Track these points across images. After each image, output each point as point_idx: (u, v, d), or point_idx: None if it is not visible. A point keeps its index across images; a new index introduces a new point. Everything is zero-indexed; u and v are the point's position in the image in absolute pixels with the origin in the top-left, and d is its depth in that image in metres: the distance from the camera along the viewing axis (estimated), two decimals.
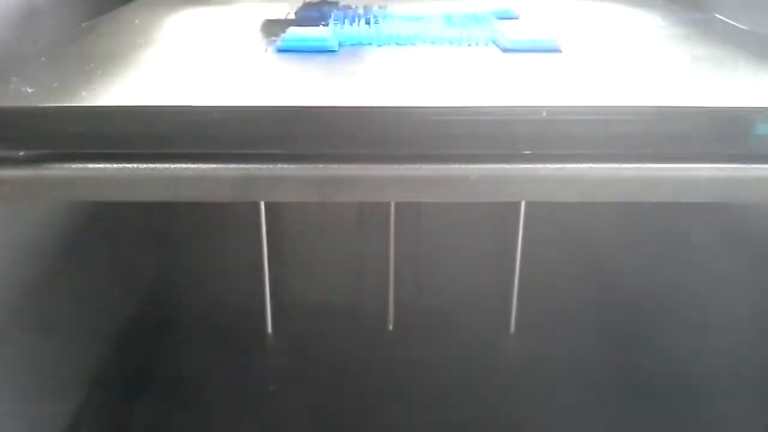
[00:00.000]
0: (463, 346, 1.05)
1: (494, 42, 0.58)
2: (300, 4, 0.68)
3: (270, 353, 1.09)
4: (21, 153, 0.43)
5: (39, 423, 0.75)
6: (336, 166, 0.43)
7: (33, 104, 0.42)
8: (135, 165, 0.43)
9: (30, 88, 0.45)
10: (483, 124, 0.42)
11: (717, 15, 0.71)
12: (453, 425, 0.92)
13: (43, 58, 0.54)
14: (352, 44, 0.58)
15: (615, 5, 0.79)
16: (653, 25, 0.67)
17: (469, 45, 0.58)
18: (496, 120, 0.42)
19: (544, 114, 0.42)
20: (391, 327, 1.11)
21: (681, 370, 0.94)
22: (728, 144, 0.43)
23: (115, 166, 0.43)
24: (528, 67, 0.52)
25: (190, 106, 0.42)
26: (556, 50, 0.56)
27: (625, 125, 0.42)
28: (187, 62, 0.53)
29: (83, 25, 0.68)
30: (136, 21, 0.68)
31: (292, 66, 0.52)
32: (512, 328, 1.10)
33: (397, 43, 0.58)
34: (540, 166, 0.43)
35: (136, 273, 1.04)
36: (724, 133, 0.42)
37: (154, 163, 0.43)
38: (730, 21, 0.69)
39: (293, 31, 0.56)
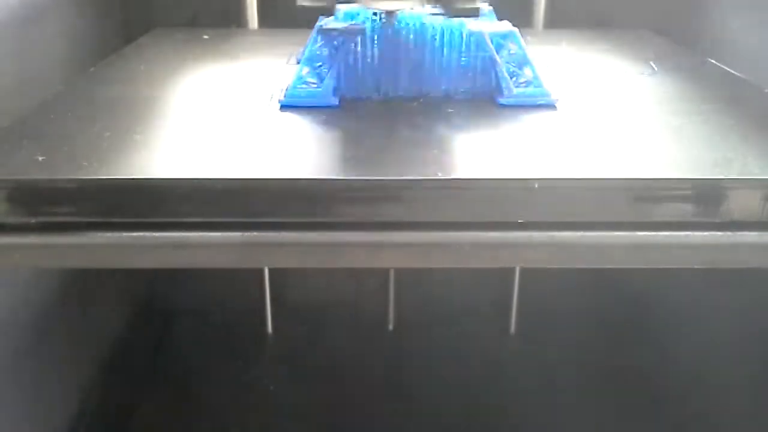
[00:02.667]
0: (463, 346, 1.07)
1: (492, 96, 0.59)
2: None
3: (270, 353, 1.10)
4: (32, 221, 0.44)
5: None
6: (334, 233, 0.44)
7: (45, 177, 0.43)
8: (142, 233, 0.44)
9: (41, 156, 0.46)
10: (477, 195, 0.44)
11: (710, 60, 0.73)
12: (453, 425, 0.94)
13: (53, 116, 0.55)
14: (352, 97, 0.60)
15: (611, 44, 0.81)
16: (648, 71, 0.69)
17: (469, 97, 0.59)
18: (490, 191, 0.44)
19: (536, 186, 0.43)
20: (391, 327, 1.12)
21: (681, 370, 0.95)
22: (711, 212, 0.44)
23: (123, 234, 0.44)
24: (524, 128, 0.54)
25: (196, 179, 0.43)
26: (552, 106, 0.58)
27: (613, 196, 0.44)
28: (193, 121, 0.55)
29: (91, 70, 0.69)
30: (142, 67, 0.70)
31: (293, 129, 0.53)
32: (512, 329, 1.12)
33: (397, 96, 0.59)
34: (533, 233, 0.45)
35: (136, 273, 1.05)
36: (706, 201, 0.44)
37: (160, 231, 0.44)
38: (722, 66, 0.71)
39: (296, 89, 0.58)
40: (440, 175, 0.44)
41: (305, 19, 0.91)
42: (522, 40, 0.59)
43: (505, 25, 0.60)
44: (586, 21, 1.07)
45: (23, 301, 0.70)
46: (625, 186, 0.44)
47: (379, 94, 0.61)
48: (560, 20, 1.05)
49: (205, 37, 0.84)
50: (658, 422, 0.92)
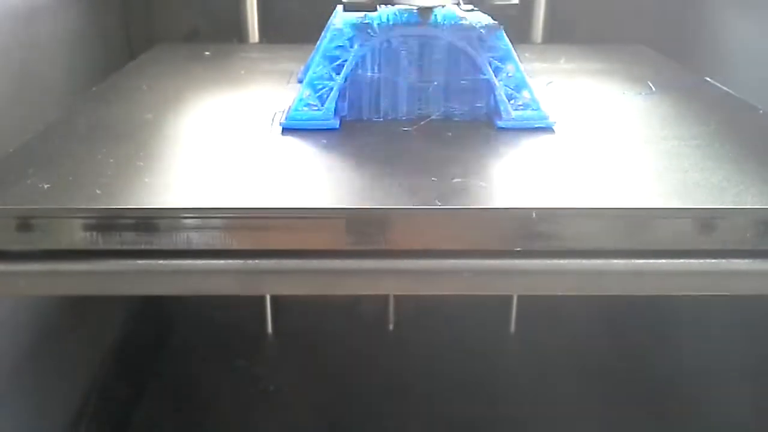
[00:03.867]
0: (463, 346, 1.07)
1: (491, 118, 0.60)
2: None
3: (270, 353, 1.11)
4: (37, 249, 0.45)
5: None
6: (334, 261, 0.45)
7: (51, 206, 0.44)
8: (145, 261, 0.45)
9: (46, 184, 0.47)
10: (476, 224, 0.45)
11: (707, 79, 0.73)
12: (453, 425, 0.94)
13: (57, 141, 0.56)
14: (353, 118, 0.60)
15: (609, 62, 0.82)
16: (647, 91, 0.69)
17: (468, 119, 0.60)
18: (489, 220, 0.45)
19: (534, 216, 0.44)
20: (391, 327, 1.13)
21: (680, 371, 0.96)
22: (704, 240, 0.45)
23: (126, 262, 0.45)
24: (522, 153, 0.54)
25: (199, 209, 0.44)
26: (549, 129, 0.59)
27: (608, 225, 0.45)
28: (195, 146, 0.55)
29: (93, 89, 0.70)
30: (144, 87, 0.70)
31: (294, 154, 0.54)
32: (512, 328, 1.12)
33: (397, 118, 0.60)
34: (530, 261, 0.45)
35: None
36: (699, 230, 0.45)
37: (163, 259, 0.45)
38: (719, 85, 0.72)
39: (297, 112, 0.58)
40: (439, 204, 0.45)
41: (305, 34, 0.93)
42: (520, 64, 0.60)
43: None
44: (585, 32, 1.08)
45: (23, 300, 0.70)
46: (620, 215, 0.45)
47: (379, 116, 0.61)
48: (560, 32, 1.06)
49: (207, 53, 0.85)
50: (659, 421, 0.93)
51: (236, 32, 1.06)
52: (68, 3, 0.86)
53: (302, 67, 0.75)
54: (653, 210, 0.45)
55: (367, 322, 1.13)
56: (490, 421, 0.95)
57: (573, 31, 1.08)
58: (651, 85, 0.71)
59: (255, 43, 1.02)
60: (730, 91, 0.70)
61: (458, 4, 0.59)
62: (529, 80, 0.60)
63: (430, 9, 0.58)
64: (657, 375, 0.99)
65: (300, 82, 0.72)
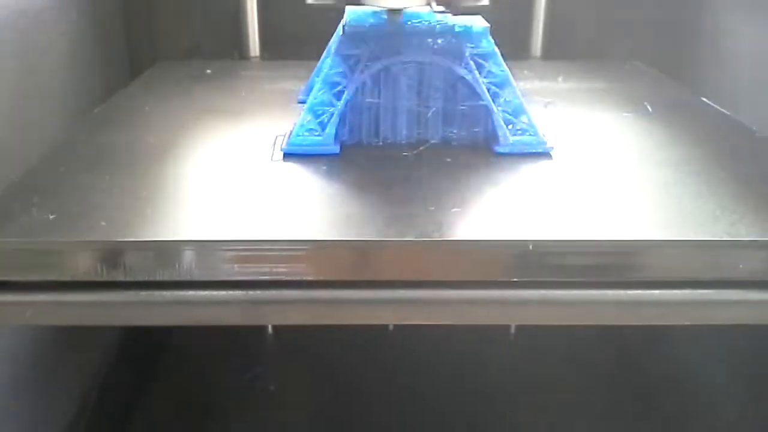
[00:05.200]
0: (464, 347, 1.08)
1: (489, 143, 0.61)
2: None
3: (270, 353, 1.12)
4: (44, 279, 0.46)
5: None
6: (334, 291, 0.46)
7: (57, 239, 0.45)
8: (149, 292, 0.46)
9: (51, 215, 0.48)
10: (473, 255, 0.46)
11: (703, 99, 0.74)
12: (453, 425, 0.95)
13: (62, 168, 0.57)
14: (354, 143, 0.61)
15: (606, 80, 0.82)
16: (643, 112, 0.70)
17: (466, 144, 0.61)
18: (486, 252, 0.46)
19: (531, 247, 0.45)
20: (391, 327, 1.13)
21: (681, 373, 0.97)
22: (698, 271, 0.46)
23: (130, 293, 0.46)
24: (519, 181, 0.55)
25: (200, 241, 0.45)
26: (547, 154, 0.59)
27: (603, 257, 0.46)
28: (197, 172, 0.56)
29: (96, 111, 0.71)
30: (146, 108, 0.71)
31: (294, 182, 0.55)
32: (512, 329, 1.13)
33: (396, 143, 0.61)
34: (527, 292, 0.46)
35: None
36: (693, 261, 0.46)
37: (166, 290, 0.46)
38: (714, 105, 0.72)
39: (298, 137, 0.59)
40: (437, 237, 0.45)
41: (305, 48, 0.94)
42: (518, 90, 0.61)
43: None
44: (583, 44, 1.08)
45: None
46: (614, 247, 0.45)
47: (378, 140, 0.62)
48: (559, 44, 1.07)
49: (208, 71, 0.86)
50: (661, 424, 0.94)
51: (237, 46, 1.07)
52: (70, 16, 0.87)
53: (303, 87, 0.76)
54: (648, 242, 0.45)
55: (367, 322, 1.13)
56: (491, 422, 0.96)
57: (572, 43, 1.08)
58: (648, 105, 0.72)
59: (256, 59, 1.03)
60: (726, 111, 0.71)
61: (429, 5, 0.59)
62: (526, 105, 0.61)
63: (399, 11, 0.59)
64: (660, 378, 0.99)
65: (301, 102, 0.73)
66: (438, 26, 0.60)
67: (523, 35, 1.07)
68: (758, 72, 0.82)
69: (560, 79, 0.83)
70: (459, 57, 0.60)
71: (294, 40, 1.10)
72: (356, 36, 0.60)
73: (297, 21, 1.10)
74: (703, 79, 0.96)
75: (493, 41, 0.61)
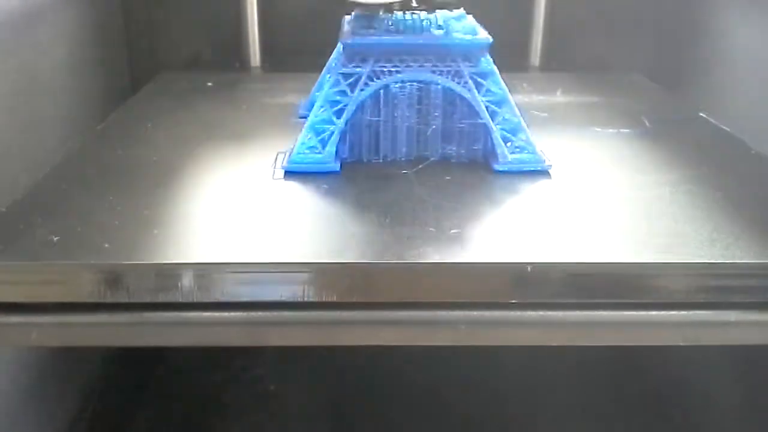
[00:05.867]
0: (464, 347, 1.08)
1: (487, 160, 0.61)
2: None
3: (270, 353, 1.12)
4: (49, 302, 0.46)
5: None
6: (335, 313, 0.47)
7: (61, 262, 0.46)
8: (152, 313, 0.46)
9: (55, 236, 0.48)
10: (473, 278, 0.46)
11: (701, 114, 0.75)
12: (454, 426, 0.95)
13: (64, 186, 0.57)
14: (354, 160, 0.62)
15: (605, 94, 0.83)
16: (642, 128, 0.71)
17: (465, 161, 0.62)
18: (485, 274, 0.46)
19: (529, 270, 0.46)
20: None
21: (680, 376, 0.97)
22: (692, 293, 0.46)
23: (133, 314, 0.46)
24: (517, 201, 0.56)
25: (202, 264, 0.46)
26: (545, 172, 0.60)
27: (599, 279, 0.46)
28: (199, 191, 0.57)
29: (98, 128, 0.72)
30: (149, 124, 0.72)
31: (296, 200, 0.56)
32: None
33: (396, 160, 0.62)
34: (525, 313, 0.47)
35: None
36: (687, 283, 0.46)
37: (168, 311, 0.46)
38: (712, 121, 0.73)
39: (299, 156, 0.60)
40: (437, 259, 0.46)
41: (306, 58, 0.94)
42: (516, 108, 0.61)
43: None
44: (582, 53, 1.09)
45: None
46: (611, 270, 0.46)
47: (378, 158, 0.63)
48: (557, 52, 1.08)
49: (209, 84, 0.86)
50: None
51: (238, 55, 1.07)
52: (71, 27, 0.87)
53: (303, 101, 0.77)
54: (644, 264, 0.46)
55: None
56: (491, 423, 0.96)
57: (571, 51, 1.09)
58: (646, 121, 0.72)
59: (257, 70, 1.03)
60: (723, 126, 0.71)
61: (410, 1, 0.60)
62: (524, 123, 0.61)
63: (382, 6, 0.59)
64: (663, 385, 1.00)
65: (302, 117, 0.73)
66: (437, 45, 0.60)
67: (522, 44, 1.08)
68: (759, 75, 0.82)
69: (559, 92, 0.84)
70: (458, 76, 0.61)
71: (294, 50, 1.11)
72: (356, 55, 0.60)
73: (297, 31, 1.11)
74: (703, 85, 0.97)
75: (491, 60, 0.61)
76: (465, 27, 0.62)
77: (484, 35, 0.61)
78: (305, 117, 0.71)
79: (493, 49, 0.61)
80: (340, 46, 0.63)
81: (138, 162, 0.62)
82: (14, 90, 0.71)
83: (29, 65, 0.75)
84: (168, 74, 0.91)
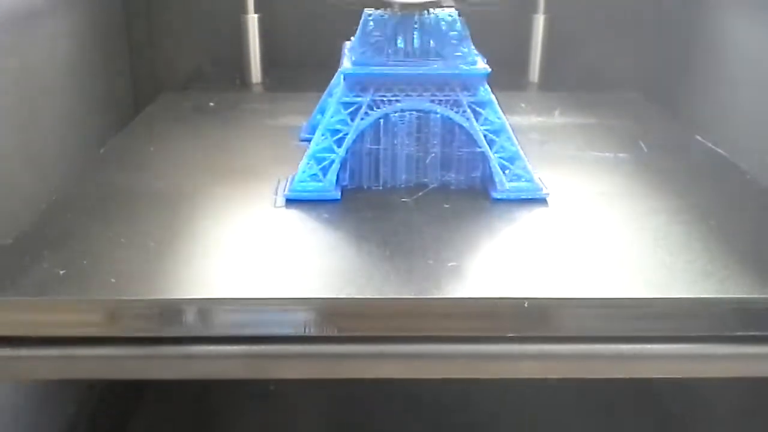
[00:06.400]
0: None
1: (485, 188, 0.62)
2: None
3: None
4: (54, 335, 0.47)
5: None
6: (335, 346, 0.48)
7: (69, 298, 0.47)
8: (155, 347, 0.47)
9: (62, 270, 0.49)
10: (470, 313, 0.47)
11: (698, 137, 0.76)
12: (454, 427, 0.96)
13: (69, 214, 0.58)
14: (354, 187, 0.63)
15: (603, 116, 0.84)
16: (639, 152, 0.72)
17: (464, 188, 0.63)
18: (483, 309, 0.47)
19: (526, 305, 0.46)
20: None
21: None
22: (687, 327, 0.47)
23: (137, 348, 0.47)
24: (515, 231, 0.57)
25: (204, 299, 0.47)
26: (543, 200, 0.61)
27: (595, 314, 0.47)
28: (202, 221, 0.58)
29: (101, 151, 0.73)
30: (151, 149, 0.73)
31: (296, 230, 0.57)
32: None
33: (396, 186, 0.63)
34: (523, 346, 0.48)
35: None
36: (682, 318, 0.47)
37: (170, 345, 0.47)
38: (708, 144, 0.74)
39: (300, 184, 0.61)
40: (435, 294, 0.47)
41: (307, 74, 0.95)
42: (514, 137, 0.62)
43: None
44: (580, 69, 1.10)
45: None
46: (603, 305, 0.47)
47: (379, 184, 0.64)
48: (556, 68, 1.09)
49: (211, 104, 0.87)
50: None
51: (239, 71, 1.08)
52: (72, 46, 0.88)
53: (305, 124, 0.78)
54: (639, 300, 0.47)
55: None
56: (491, 426, 0.97)
57: (569, 67, 1.10)
58: (643, 145, 0.73)
59: (258, 87, 1.05)
60: (719, 150, 0.72)
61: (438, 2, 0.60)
62: (522, 152, 0.62)
63: (413, 6, 0.59)
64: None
65: (303, 141, 0.74)
66: (436, 75, 0.61)
67: (521, 61, 1.09)
68: (756, 91, 0.83)
69: (557, 113, 0.84)
70: (457, 105, 0.62)
71: (295, 66, 1.12)
72: (356, 84, 0.61)
73: (298, 47, 1.12)
74: (700, 100, 0.98)
75: (489, 89, 0.62)
76: (464, 54, 0.62)
77: (482, 65, 0.62)
78: (307, 140, 0.73)
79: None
80: (341, 76, 0.63)
81: (141, 189, 0.63)
82: (14, 90, 0.72)
83: (29, 65, 0.75)
84: (170, 95, 0.92)
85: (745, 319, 0.47)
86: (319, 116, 0.75)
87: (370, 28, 0.62)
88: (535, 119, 0.82)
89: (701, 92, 0.99)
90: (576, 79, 1.08)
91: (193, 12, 1.12)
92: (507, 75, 1.08)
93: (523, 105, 0.87)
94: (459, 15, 0.62)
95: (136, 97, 1.14)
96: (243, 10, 1.06)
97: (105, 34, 1.01)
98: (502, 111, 0.63)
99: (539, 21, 1.07)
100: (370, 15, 0.63)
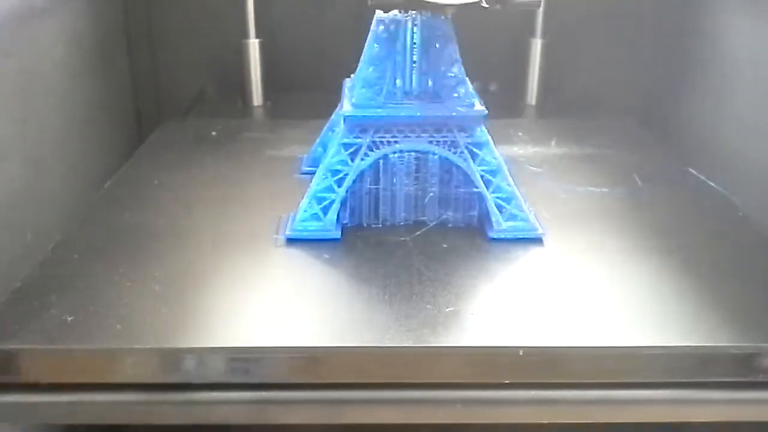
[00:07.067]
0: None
1: (483, 226, 0.64)
2: None
3: None
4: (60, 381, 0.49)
5: None
6: (335, 393, 0.49)
7: (78, 347, 0.48)
8: (159, 394, 0.49)
9: (69, 316, 0.51)
10: (467, 360, 0.49)
11: (691, 170, 0.77)
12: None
13: (76, 255, 0.60)
14: (354, 224, 0.64)
15: (599, 146, 0.85)
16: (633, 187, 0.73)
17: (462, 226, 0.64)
18: (479, 357, 0.49)
19: (521, 353, 0.48)
20: None
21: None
22: (681, 373, 0.49)
23: (141, 395, 0.49)
24: (511, 273, 0.58)
25: (206, 348, 0.48)
26: (539, 240, 0.62)
27: (590, 362, 0.49)
28: (205, 261, 0.59)
29: (106, 185, 0.74)
30: (156, 182, 0.74)
31: (297, 272, 0.58)
32: None
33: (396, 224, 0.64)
34: (519, 392, 0.49)
35: None
36: (674, 366, 0.49)
37: (174, 392, 0.49)
38: (701, 177, 0.75)
39: (301, 224, 0.62)
40: (433, 343, 0.48)
41: (308, 97, 0.96)
42: (510, 177, 0.64)
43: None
44: (578, 90, 1.12)
45: None
46: (595, 353, 0.49)
47: (378, 222, 0.65)
48: (553, 90, 1.10)
49: (213, 133, 0.88)
50: None
51: (241, 94, 1.10)
52: (77, 73, 0.90)
53: (306, 156, 0.79)
54: (632, 348, 0.49)
55: None
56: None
57: (566, 92, 1.12)
58: (637, 179, 0.75)
59: (259, 111, 1.06)
60: (711, 183, 0.74)
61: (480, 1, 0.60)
62: (518, 192, 0.64)
63: (450, 6, 0.59)
64: None
65: (304, 174, 0.76)
66: (434, 118, 0.62)
67: (519, 84, 1.11)
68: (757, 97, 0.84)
69: (553, 142, 0.86)
70: (454, 146, 0.63)
71: (296, 88, 1.13)
72: (356, 126, 0.63)
73: (298, 70, 1.14)
74: (696, 125, 0.99)
75: (486, 131, 0.63)
76: (462, 95, 0.63)
77: (479, 107, 0.63)
78: (307, 173, 0.75)
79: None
80: (341, 120, 0.65)
81: (145, 228, 0.64)
82: (14, 89, 0.73)
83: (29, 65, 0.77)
84: (173, 123, 0.94)
85: (736, 365, 0.49)
86: (320, 149, 0.77)
87: (370, 70, 0.63)
88: (531, 149, 0.84)
89: (696, 116, 1.00)
90: (573, 102, 1.10)
91: (195, 39, 1.14)
92: (506, 97, 1.11)
93: (520, 134, 0.89)
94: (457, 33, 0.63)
95: (139, 123, 1.15)
96: (244, 35, 1.07)
97: (107, 61, 1.03)
98: (500, 139, 0.64)
99: (537, 45, 1.09)
100: (370, 51, 0.64)
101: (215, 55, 1.13)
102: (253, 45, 1.08)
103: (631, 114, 1.04)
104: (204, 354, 0.48)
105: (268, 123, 1.02)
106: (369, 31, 0.64)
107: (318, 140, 0.78)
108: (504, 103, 1.10)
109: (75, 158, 0.87)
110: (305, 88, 1.12)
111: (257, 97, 1.10)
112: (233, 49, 1.08)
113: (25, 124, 0.75)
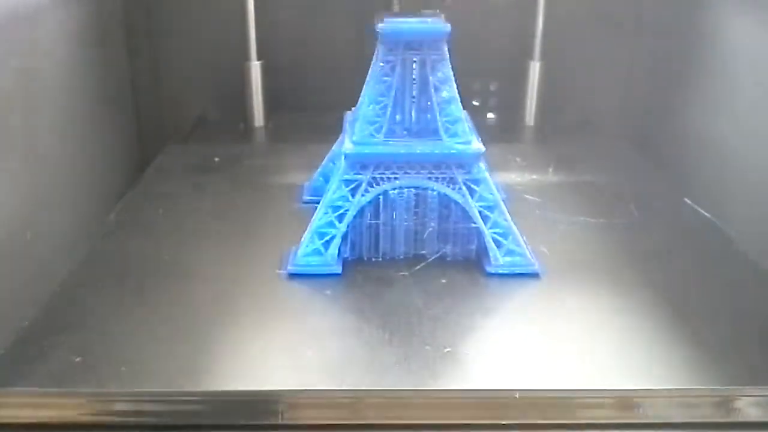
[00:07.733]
0: None
1: (481, 260, 0.65)
2: None
3: None
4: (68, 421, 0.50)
5: None
6: None
7: (86, 390, 0.50)
8: None
9: (77, 357, 0.52)
10: (464, 403, 0.50)
11: (686, 200, 0.78)
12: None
13: (82, 290, 0.61)
14: (355, 258, 0.66)
15: (594, 172, 0.87)
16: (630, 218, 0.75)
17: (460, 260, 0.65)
18: (476, 400, 0.50)
19: (517, 396, 0.49)
20: None
21: None
22: (680, 414, 0.50)
23: None
24: (508, 310, 0.60)
25: (210, 392, 0.50)
26: (536, 275, 0.64)
27: (586, 403, 0.50)
28: (208, 299, 0.60)
29: (111, 217, 0.75)
30: (160, 211, 0.76)
31: (298, 310, 0.59)
32: None
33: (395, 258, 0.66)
34: None
35: None
36: (672, 407, 0.50)
37: None
38: (697, 208, 0.77)
39: (302, 259, 0.64)
40: (432, 386, 0.50)
41: (308, 120, 0.97)
42: (507, 213, 0.65)
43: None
44: (576, 109, 1.13)
45: None
46: (588, 395, 0.50)
47: (378, 256, 0.66)
48: (552, 109, 1.12)
49: (216, 159, 0.90)
50: None
51: (242, 115, 1.11)
52: (82, 97, 0.91)
53: (307, 184, 0.80)
54: (625, 391, 0.50)
55: None
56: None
57: (564, 113, 1.13)
58: (633, 209, 0.76)
59: (260, 132, 1.08)
60: (706, 213, 0.75)
61: None
62: (515, 228, 0.65)
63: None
64: None
65: (306, 203, 0.77)
66: (433, 155, 0.64)
67: (518, 105, 1.12)
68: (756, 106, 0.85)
69: (551, 170, 0.87)
70: (453, 182, 0.64)
71: (297, 108, 1.15)
72: (357, 163, 0.64)
73: (299, 92, 1.15)
74: (693, 150, 1.00)
75: (484, 168, 0.65)
76: (460, 133, 0.65)
77: (476, 144, 0.64)
78: (309, 202, 0.76)
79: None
80: (342, 160, 0.66)
81: (149, 262, 0.65)
82: (13, 89, 0.74)
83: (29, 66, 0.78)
84: (176, 148, 0.95)
85: (730, 407, 0.50)
86: (320, 179, 0.78)
87: (370, 108, 0.65)
88: (528, 177, 0.85)
89: (693, 138, 1.01)
90: (571, 122, 1.12)
91: (197, 60, 1.16)
92: (505, 118, 1.12)
93: (518, 159, 0.90)
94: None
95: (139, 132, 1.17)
96: (246, 57, 1.09)
97: (108, 77, 1.04)
98: (499, 165, 0.65)
99: (535, 67, 1.10)
100: (369, 88, 0.65)
101: (217, 77, 1.15)
102: (255, 67, 1.09)
103: (630, 134, 1.06)
104: (205, 397, 0.50)
105: (270, 147, 1.03)
106: (370, 48, 0.66)
107: (319, 170, 0.79)
108: (503, 125, 1.12)
109: (75, 158, 0.89)
110: (307, 108, 1.14)
111: (258, 118, 1.11)
112: (235, 71, 1.10)
113: (25, 124, 0.76)
